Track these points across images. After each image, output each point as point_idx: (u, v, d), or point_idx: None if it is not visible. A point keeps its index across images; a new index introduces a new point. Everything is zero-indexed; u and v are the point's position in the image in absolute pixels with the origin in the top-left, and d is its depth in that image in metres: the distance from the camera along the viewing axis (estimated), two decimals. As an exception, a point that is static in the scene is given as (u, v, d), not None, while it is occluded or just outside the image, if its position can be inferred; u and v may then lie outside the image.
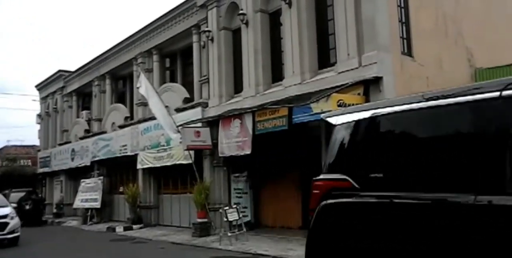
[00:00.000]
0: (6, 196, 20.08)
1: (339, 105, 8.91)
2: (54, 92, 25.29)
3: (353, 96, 9.22)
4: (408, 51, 9.82)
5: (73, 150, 21.73)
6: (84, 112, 22.45)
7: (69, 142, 22.75)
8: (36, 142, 29.27)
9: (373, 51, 9.20)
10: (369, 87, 9.20)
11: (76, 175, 22.11)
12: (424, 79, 9.85)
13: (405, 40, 9.85)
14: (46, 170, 25.19)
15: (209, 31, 13.59)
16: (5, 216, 11.89)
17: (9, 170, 36.73)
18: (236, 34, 13.30)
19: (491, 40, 11.94)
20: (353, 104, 9.04)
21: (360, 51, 9.46)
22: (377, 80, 9.04)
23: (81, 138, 21.33)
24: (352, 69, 9.50)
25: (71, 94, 23.78)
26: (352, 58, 9.55)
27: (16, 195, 20.21)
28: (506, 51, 12.20)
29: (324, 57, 10.76)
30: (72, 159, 21.65)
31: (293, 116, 9.92)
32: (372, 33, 9.29)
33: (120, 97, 20.51)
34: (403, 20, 9.89)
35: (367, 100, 9.20)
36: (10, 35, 79.24)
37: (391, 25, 9.45)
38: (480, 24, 11.74)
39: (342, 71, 9.68)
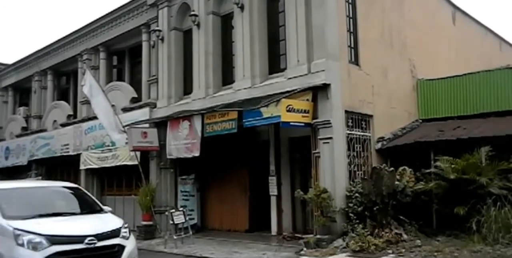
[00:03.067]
0: None
1: (288, 111, 9.12)
2: (-13, 86, 23.73)
3: (302, 102, 9.43)
4: (355, 60, 10.17)
5: (7, 148, 20.52)
6: (21, 108, 21.21)
7: (3, 140, 21.46)
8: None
9: (322, 58, 9.46)
10: (318, 93, 9.45)
11: (10, 174, 20.80)
12: (370, 88, 10.25)
13: (352, 49, 10.19)
14: (-25, 168, 23.58)
15: (159, 30, 13.36)
16: (115, 233, 6.38)
17: None
18: (187, 35, 13.17)
19: (431, 52, 12.64)
20: (302, 110, 9.30)
21: (310, 58, 9.69)
22: (325, 87, 9.30)
23: (18, 136, 20.18)
24: (301, 75, 9.71)
25: (6, 88, 22.41)
26: (302, 65, 9.77)
27: None
28: (444, 64, 12.99)
29: (275, 62, 10.92)
30: (6, 158, 20.44)
31: (243, 120, 9.98)
32: (321, 41, 9.55)
33: (63, 94, 19.61)
34: (351, 30, 10.23)
35: (315, 107, 9.47)
36: None
37: (340, 34, 9.75)
38: (422, 36, 12.39)
39: (292, 77, 9.87)
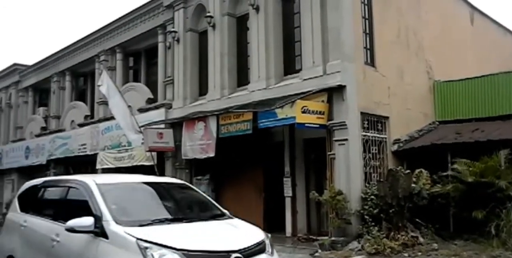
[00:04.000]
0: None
1: (303, 112, 9.10)
2: (8, 86, 24.17)
3: (317, 103, 9.41)
4: (371, 61, 10.11)
5: (27, 148, 20.89)
6: (41, 109, 21.63)
7: (24, 139, 21.87)
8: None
9: (337, 60, 9.43)
10: (333, 95, 9.42)
11: (30, 173, 21.17)
12: (386, 89, 10.18)
13: (368, 51, 10.13)
14: (-4, 167, 24.08)
15: (175, 32, 13.47)
16: (261, 248, 4.80)
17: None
18: (202, 36, 13.25)
19: (448, 54, 12.48)
20: (317, 111, 9.28)
21: (325, 60, 9.67)
22: (340, 89, 9.27)
23: (37, 136, 20.54)
24: (316, 76, 9.70)
25: (27, 89, 22.85)
26: (317, 66, 9.75)
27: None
28: (462, 65, 12.81)
29: (290, 63, 10.92)
30: (26, 157, 20.81)
31: (258, 121, 10.00)
32: (337, 42, 9.52)
33: (80, 95, 19.92)
34: (367, 31, 10.17)
35: (330, 108, 9.44)
36: (-38, 24, 75.30)
37: (355, 36, 9.71)
38: (439, 37, 12.25)
39: (307, 79, 9.86)
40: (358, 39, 9.81)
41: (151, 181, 5.82)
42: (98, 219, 4.42)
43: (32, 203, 5.96)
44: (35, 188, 6.13)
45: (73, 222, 4.42)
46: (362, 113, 9.56)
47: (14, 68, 23.29)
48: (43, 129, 20.58)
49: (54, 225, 5.03)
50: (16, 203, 6.30)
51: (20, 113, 23.21)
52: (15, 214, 6.07)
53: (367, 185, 9.36)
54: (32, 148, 20.44)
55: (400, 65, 10.78)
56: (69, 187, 5.30)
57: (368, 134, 9.75)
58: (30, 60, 22.15)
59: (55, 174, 18.62)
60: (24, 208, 6.00)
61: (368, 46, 10.16)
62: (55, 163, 18.95)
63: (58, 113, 19.76)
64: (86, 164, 16.84)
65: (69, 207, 5.26)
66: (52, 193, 5.84)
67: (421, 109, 11.32)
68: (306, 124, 9.21)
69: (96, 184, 4.95)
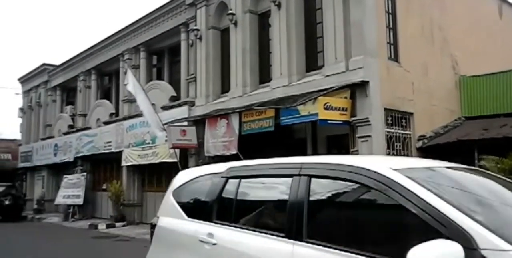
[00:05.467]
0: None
1: (325, 109, 9.03)
2: (38, 86, 24.91)
3: (339, 99, 9.33)
4: (394, 57, 9.95)
5: (56, 145, 21.46)
6: (68, 107, 22.20)
7: (52, 137, 22.47)
8: (17, 136, 28.79)
9: (360, 55, 9.32)
10: (356, 91, 9.32)
11: (58, 170, 21.85)
12: (410, 85, 10.01)
13: (391, 46, 9.97)
14: (27, 164, 24.83)
15: (197, 30, 13.57)
16: None
17: (-13, 164, 36.05)
18: (224, 34, 13.31)
19: (475, 48, 12.17)
20: (340, 108, 9.20)
21: (348, 55, 9.58)
22: (363, 85, 9.16)
23: (65, 133, 21.08)
24: (339, 72, 9.61)
25: (55, 88, 23.46)
26: (340, 62, 9.66)
27: (-5, 190, 19.89)
28: (488, 60, 12.46)
29: (312, 60, 10.85)
30: (55, 154, 21.38)
31: (280, 118, 10.00)
32: (359, 38, 9.41)
33: (105, 93, 20.33)
34: (391, 26, 10.02)
35: (353, 104, 9.35)
36: (-7, 25, 77.66)
37: (379, 31, 9.57)
38: (465, 32, 11.95)
39: (329, 75, 9.78)
40: (381, 34, 9.67)
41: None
42: (467, 244, 2.05)
43: (217, 204, 3.56)
44: (211, 179, 3.79)
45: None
46: (385, 109, 9.43)
47: (43, 68, 23.97)
48: (70, 126, 21.10)
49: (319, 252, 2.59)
50: (173, 203, 4.04)
51: (49, 111, 23.87)
52: (179, 222, 3.81)
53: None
54: (60, 145, 20.98)
55: (425, 60, 10.58)
56: (310, 177, 2.92)
57: (392, 130, 9.62)
58: (58, 60, 22.71)
59: (82, 171, 19.09)
60: (196, 213, 3.74)
61: (391, 41, 10.00)
62: (82, 160, 19.39)
63: (85, 112, 20.21)
64: (112, 161, 17.19)
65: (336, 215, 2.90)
66: (269, 188, 3.49)
67: (446, 105, 11.09)
68: (328, 121, 9.14)
69: (398, 171, 2.57)
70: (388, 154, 9.35)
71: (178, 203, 4.00)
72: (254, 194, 3.58)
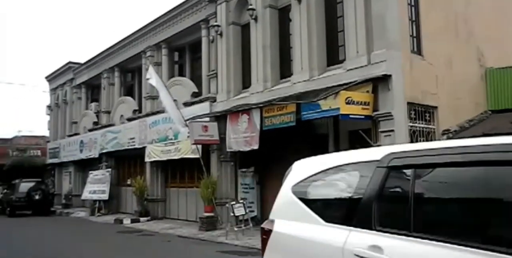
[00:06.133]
0: (16, 186, 20.54)
1: (347, 103, 8.95)
2: (64, 83, 25.47)
3: (361, 94, 9.23)
4: (417, 50, 9.77)
5: (81, 142, 21.93)
6: (93, 104, 22.64)
7: (78, 134, 22.97)
8: (46, 133, 29.55)
9: (382, 49, 9.18)
10: (378, 85, 9.20)
11: (84, 166, 22.35)
12: (433, 78, 9.81)
13: (414, 39, 9.79)
14: (55, 160, 25.49)
15: (218, 25, 13.60)
16: None
17: (19, 160, 37.18)
18: (245, 29, 13.30)
19: (501, 39, 11.84)
20: (362, 102, 9.10)
21: (369, 49, 9.45)
22: (386, 78, 9.03)
23: (90, 130, 21.51)
24: (361, 66, 9.49)
25: (80, 86, 23.94)
26: (361, 56, 9.54)
27: (25, 185, 20.51)
28: (516, 51, 12.12)
29: (333, 54, 10.75)
30: (81, 151, 21.86)
31: (302, 113, 9.96)
32: (381, 31, 9.27)
33: (128, 90, 20.63)
34: (413, 19, 9.82)
35: (376, 98, 9.23)
36: (21, 26, 79.64)
37: (401, 23, 9.40)
38: (491, 23, 11.63)
39: (351, 69, 9.67)
40: (404, 27, 9.50)
41: None
42: None
43: (378, 205, 2.60)
44: (359, 170, 2.91)
45: None
46: (408, 103, 9.28)
47: (69, 66, 24.49)
48: (95, 123, 21.51)
49: None
50: (296, 202, 3.13)
51: (75, 109, 24.40)
52: (313, 228, 2.89)
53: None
54: (86, 141, 21.44)
55: (449, 53, 10.34)
56: None
57: (416, 125, 9.46)
58: (83, 58, 23.15)
59: (107, 167, 19.46)
60: (339, 216, 2.86)
61: (414, 34, 9.81)
62: (107, 156, 19.76)
63: (109, 108, 20.55)
64: (136, 157, 17.46)
65: None
66: (469, 181, 2.34)
67: (472, 98, 10.84)
68: (350, 116, 9.06)
69: None
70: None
71: (305, 202, 3.07)
72: (446, 190, 2.48)
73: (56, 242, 11.75)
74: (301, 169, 3.39)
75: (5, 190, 23.76)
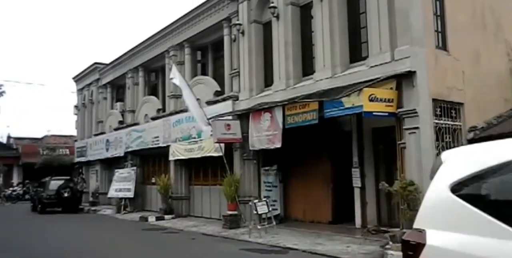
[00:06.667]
0: (46, 184, 21.11)
1: (370, 100, 8.83)
2: (90, 84, 25.98)
3: (385, 90, 9.09)
4: (442, 45, 9.55)
5: (107, 141, 22.35)
6: (118, 103, 23.03)
7: (104, 133, 23.40)
8: (74, 132, 30.23)
9: (406, 45, 9.01)
10: (402, 82, 9.04)
11: (110, 164, 22.78)
12: (460, 74, 9.58)
13: (439, 34, 9.58)
14: (82, 159, 26.05)
15: (239, 24, 13.62)
16: None
17: (49, 159, 38.29)
18: (266, 28, 13.27)
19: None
20: (386, 99, 8.96)
21: (393, 45, 9.29)
22: (410, 75, 8.87)
23: (115, 129, 21.89)
24: (384, 63, 9.35)
25: (105, 86, 24.38)
26: (385, 52, 9.39)
27: (55, 183, 21.04)
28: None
29: (356, 51, 10.62)
30: (107, 149, 22.27)
31: (324, 111, 9.87)
32: (405, 26, 9.09)
33: (152, 90, 20.89)
34: (438, 13, 9.61)
35: (400, 95, 9.08)
36: (48, 28, 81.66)
37: (425, 18, 9.21)
38: (521, 15, 11.28)
39: (374, 65, 9.54)
40: (428, 22, 9.30)
41: None
42: None
43: None
44: None
45: None
46: (434, 100, 9.09)
47: (95, 67, 24.97)
48: (120, 122, 21.87)
49: None
50: (464, 206, 2.32)
51: (101, 108, 24.87)
52: (503, 244, 2.09)
53: (441, 175, 8.90)
54: (111, 140, 21.83)
55: (476, 47, 10.08)
56: None
57: (441, 122, 9.26)
58: (108, 59, 23.58)
59: (132, 165, 19.79)
60: None
61: (439, 29, 9.60)
62: (132, 155, 20.07)
63: (133, 108, 20.86)
64: (160, 155, 17.67)
65: None
66: None
67: (500, 94, 10.54)
68: (374, 113, 8.93)
69: None
70: (437, 146, 9.04)
71: (481, 208, 2.24)
72: None
73: (87, 238, 12.06)
74: (462, 161, 2.53)
75: (36, 188, 24.49)
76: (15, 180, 43.01)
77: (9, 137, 45.75)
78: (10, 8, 76.52)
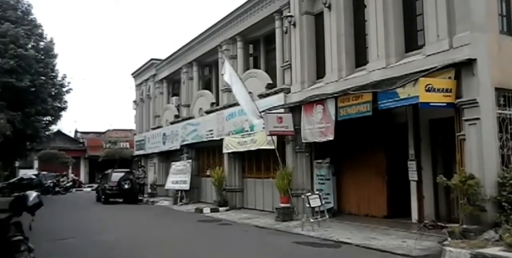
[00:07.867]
0: (109, 176, 22.23)
1: (427, 90, 8.46)
2: (147, 79, 26.90)
3: (443, 80, 8.67)
4: (507, 30, 8.94)
5: (164, 134, 23.09)
6: (173, 98, 23.69)
7: (161, 126, 24.19)
8: (133, 126, 31.50)
9: (466, 31, 8.52)
10: (461, 70, 8.57)
11: (167, 157, 23.53)
12: (526, 61, 8.93)
13: (504, 18, 8.97)
14: (141, 152, 27.11)
15: (291, 16, 13.49)
16: None
17: (111, 152, 40.26)
18: (318, 19, 13.05)
19: None
20: (443, 89, 8.55)
21: (451, 32, 8.81)
22: (470, 63, 8.38)
23: (172, 123, 22.54)
24: (442, 51, 8.89)
25: (162, 81, 25.14)
26: (442, 40, 8.93)
27: (116, 175, 22.09)
28: None
29: (411, 39, 10.20)
30: (164, 143, 23.02)
31: (378, 102, 9.59)
32: (465, 11, 8.59)
33: (206, 84, 21.27)
34: (502, -5, 9.00)
35: (459, 85, 8.63)
36: (106, 27, 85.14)
37: (488, 1, 8.65)
38: None
39: (431, 54, 9.10)
40: (491, 5, 8.74)
41: None
42: None
43: None
44: None
45: None
46: (496, 89, 8.54)
47: (151, 63, 25.83)
48: (176, 116, 22.50)
49: None
50: None
51: (157, 103, 25.71)
52: None
53: (504, 168, 8.40)
54: (168, 134, 22.53)
55: (545, 31, 9.33)
56: None
57: (505, 112, 8.69)
58: (164, 55, 24.25)
59: (188, 158, 20.31)
60: None
61: (503, 13, 8.99)
62: (187, 148, 20.60)
63: (188, 102, 21.36)
64: (214, 148, 18.01)
65: None
66: None
67: None
68: (431, 104, 8.55)
69: None
70: (500, 139, 8.51)
71: None
72: None
73: (149, 228, 12.66)
74: None
75: (100, 180, 25.84)
76: (82, 172, 45.67)
77: (76, 131, 48.62)
78: (75, 9, 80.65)
